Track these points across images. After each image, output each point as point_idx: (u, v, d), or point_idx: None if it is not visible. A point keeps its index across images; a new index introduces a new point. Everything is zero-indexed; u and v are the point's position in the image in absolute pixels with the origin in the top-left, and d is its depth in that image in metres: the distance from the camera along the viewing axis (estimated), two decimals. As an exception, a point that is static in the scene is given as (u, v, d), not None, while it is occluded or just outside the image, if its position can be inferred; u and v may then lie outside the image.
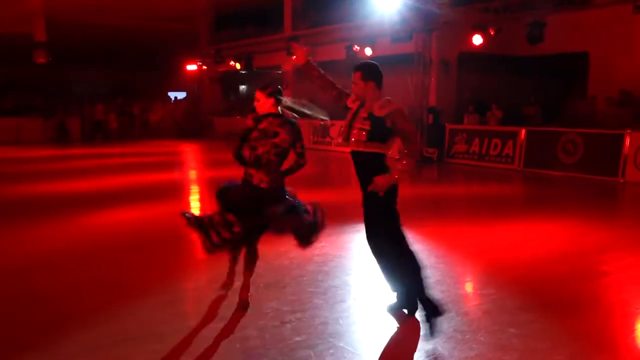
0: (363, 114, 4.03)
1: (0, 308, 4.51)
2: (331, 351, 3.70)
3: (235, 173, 4.48)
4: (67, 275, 5.37)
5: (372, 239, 4.15)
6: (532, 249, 6.40)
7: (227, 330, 3.99)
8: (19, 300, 4.69)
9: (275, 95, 4.25)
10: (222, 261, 5.99)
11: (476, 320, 4.26)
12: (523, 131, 13.61)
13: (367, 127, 3.97)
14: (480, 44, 14.59)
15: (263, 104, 4.23)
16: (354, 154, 4.08)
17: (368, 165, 4.01)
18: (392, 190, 4.03)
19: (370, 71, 4.04)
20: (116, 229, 7.34)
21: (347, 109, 4.18)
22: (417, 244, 6.49)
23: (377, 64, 4.14)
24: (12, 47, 22.41)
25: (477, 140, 14.61)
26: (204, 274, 5.54)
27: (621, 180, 11.52)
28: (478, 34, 14.48)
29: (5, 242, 6.67)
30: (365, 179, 4.01)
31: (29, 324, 4.19)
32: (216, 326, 4.07)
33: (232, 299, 4.57)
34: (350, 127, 4.07)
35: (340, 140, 4.41)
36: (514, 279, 5.25)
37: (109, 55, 26.20)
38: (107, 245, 6.48)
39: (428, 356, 3.64)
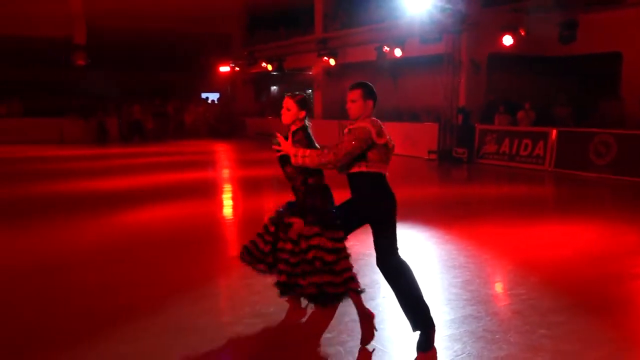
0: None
1: (45, 302, 4.64)
2: (361, 348, 3.71)
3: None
4: (105, 270, 5.49)
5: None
6: (563, 250, 6.29)
7: (260, 326, 4.03)
8: (62, 294, 4.83)
9: (307, 106, 3.90)
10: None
11: (506, 321, 4.21)
12: (554, 132, 13.36)
13: None
14: (511, 45, 14.40)
15: (293, 114, 3.83)
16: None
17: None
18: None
19: (371, 90, 3.75)
20: (152, 226, 7.48)
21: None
22: (447, 244, 6.47)
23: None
24: (53, 51, 23.00)
25: (507, 141, 14.40)
26: (238, 271, 5.59)
27: (655, 182, 11.22)
28: (508, 34, 14.28)
29: (48, 237, 6.85)
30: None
31: (72, 316, 4.31)
32: (249, 321, 4.11)
33: (265, 295, 4.62)
34: None
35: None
36: (545, 279, 5.17)
37: (145, 57, 26.63)
38: (143, 242, 6.61)
39: (457, 355, 3.62)
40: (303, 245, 3.66)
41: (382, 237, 3.70)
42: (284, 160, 3.78)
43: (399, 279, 3.70)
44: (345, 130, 3.70)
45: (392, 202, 3.70)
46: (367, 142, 3.59)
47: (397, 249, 3.73)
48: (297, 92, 3.98)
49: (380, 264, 3.72)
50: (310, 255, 3.62)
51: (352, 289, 3.68)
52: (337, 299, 3.71)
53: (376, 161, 3.64)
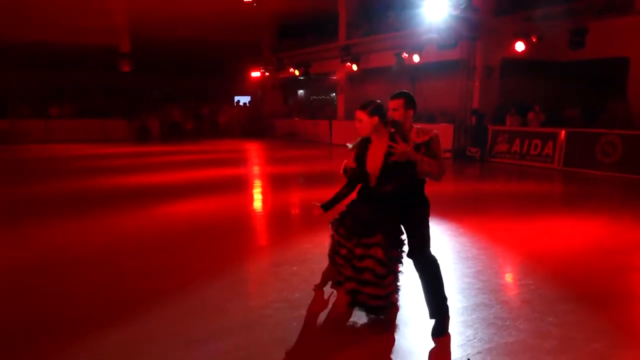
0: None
1: (87, 288, 4.72)
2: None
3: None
4: (141, 258, 5.56)
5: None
6: (571, 244, 6.17)
7: (286, 310, 4.04)
8: (104, 280, 4.90)
9: (380, 112, 3.63)
10: (282, 247, 6.05)
11: (516, 309, 4.15)
12: (563, 132, 13.11)
13: None
14: (523, 51, 14.16)
15: (366, 124, 3.64)
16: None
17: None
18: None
19: (412, 99, 3.74)
20: (188, 217, 7.54)
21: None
22: (460, 236, 6.40)
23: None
24: (101, 58, 23.46)
25: (518, 141, 14.17)
26: (266, 259, 5.63)
27: (659, 180, 10.92)
28: (521, 41, 14.05)
29: (92, 228, 6.96)
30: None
31: (104, 299, 4.36)
32: (277, 306, 4.13)
33: (291, 282, 4.63)
34: None
35: None
36: (553, 271, 5.08)
37: (183, 63, 26.95)
38: (179, 232, 6.67)
39: (469, 340, 3.58)
40: (358, 251, 3.61)
41: (419, 235, 3.67)
42: (396, 172, 3.53)
43: (428, 273, 3.69)
44: (420, 140, 3.57)
45: (428, 204, 3.70)
46: None
47: (429, 245, 3.71)
48: (368, 103, 3.69)
49: (414, 257, 3.70)
50: (363, 264, 3.57)
51: (392, 302, 3.67)
52: (376, 312, 3.69)
53: None
